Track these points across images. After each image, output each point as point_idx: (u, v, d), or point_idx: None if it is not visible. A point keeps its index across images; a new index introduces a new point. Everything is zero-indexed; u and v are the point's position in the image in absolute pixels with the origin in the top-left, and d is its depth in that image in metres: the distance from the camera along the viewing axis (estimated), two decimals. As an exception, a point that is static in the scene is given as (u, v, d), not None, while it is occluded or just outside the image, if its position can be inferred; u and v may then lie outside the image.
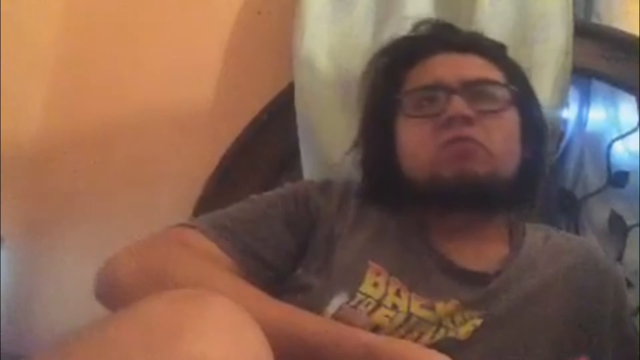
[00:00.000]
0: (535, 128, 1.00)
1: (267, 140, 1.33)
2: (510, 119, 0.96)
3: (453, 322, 0.86)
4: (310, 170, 1.24)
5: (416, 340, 0.84)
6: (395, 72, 1.02)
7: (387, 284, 0.89)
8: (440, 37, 1.05)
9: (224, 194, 1.27)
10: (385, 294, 0.88)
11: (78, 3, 1.53)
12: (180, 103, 1.44)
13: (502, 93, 0.96)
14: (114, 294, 0.82)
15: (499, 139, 0.93)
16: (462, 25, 1.17)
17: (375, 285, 0.88)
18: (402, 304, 0.87)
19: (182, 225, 0.93)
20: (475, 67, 0.98)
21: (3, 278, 1.38)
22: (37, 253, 1.45)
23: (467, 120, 0.91)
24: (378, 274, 0.90)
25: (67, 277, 1.41)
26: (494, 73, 0.98)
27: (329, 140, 1.22)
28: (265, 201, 0.98)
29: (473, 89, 0.94)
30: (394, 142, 0.99)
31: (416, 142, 0.95)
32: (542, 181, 1.03)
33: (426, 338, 0.85)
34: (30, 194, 1.47)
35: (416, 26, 1.08)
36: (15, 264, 1.42)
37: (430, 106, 0.95)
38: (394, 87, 1.00)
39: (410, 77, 1.00)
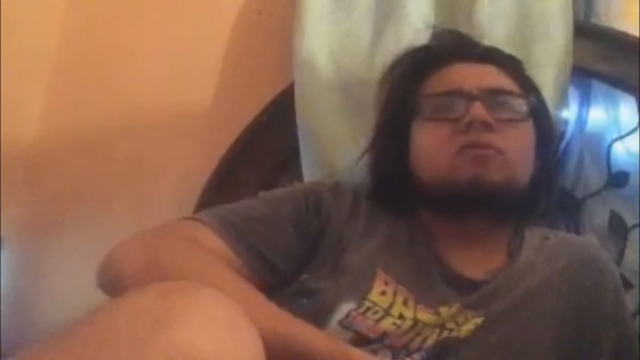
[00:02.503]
0: (548, 140, 1.02)
1: (267, 141, 1.33)
2: (527, 130, 0.97)
3: (456, 322, 0.87)
4: (310, 170, 1.24)
5: (421, 343, 0.85)
6: (412, 79, 1.02)
7: (395, 293, 0.89)
8: (458, 48, 1.05)
9: (224, 194, 1.26)
10: (392, 303, 0.88)
11: (78, 5, 1.53)
12: (180, 104, 1.44)
13: (520, 104, 0.96)
14: (117, 284, 0.82)
15: (517, 148, 0.93)
16: (461, 25, 1.17)
17: (383, 293, 0.89)
18: (409, 313, 0.87)
19: (190, 219, 0.93)
20: (493, 76, 0.98)
21: (3, 278, 1.38)
22: (37, 253, 1.45)
23: (487, 127, 0.91)
24: (386, 283, 0.90)
25: (67, 277, 1.41)
26: (510, 84, 0.98)
27: (329, 141, 1.22)
28: (276, 201, 0.98)
29: (492, 98, 0.94)
30: (407, 146, 0.99)
31: (433, 145, 0.95)
32: (553, 191, 1.04)
33: (430, 341, 0.85)
34: (30, 195, 1.47)
35: (435, 37, 1.09)
36: (15, 264, 1.42)
37: (449, 112, 0.95)
38: (411, 93, 1.00)
39: (427, 85, 1.00)
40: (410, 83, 1.02)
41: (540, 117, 1.00)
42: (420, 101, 0.98)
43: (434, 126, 0.96)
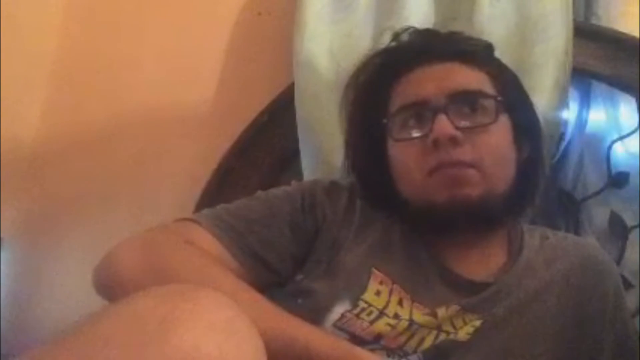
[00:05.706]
0: (530, 129, 0.99)
1: (267, 141, 1.33)
2: (501, 129, 0.93)
3: (453, 325, 0.86)
4: (310, 170, 1.24)
5: (418, 345, 0.84)
6: (378, 90, 1.00)
7: (390, 292, 0.88)
8: (421, 47, 1.02)
9: (224, 194, 1.26)
10: (387, 303, 0.87)
11: (78, 4, 1.53)
12: (181, 104, 1.44)
13: (489, 104, 0.93)
14: (113, 287, 0.82)
15: (490, 153, 0.90)
16: (461, 25, 1.17)
17: (378, 293, 0.88)
18: (404, 313, 0.87)
19: (187, 220, 0.93)
20: (459, 77, 0.94)
21: (3, 278, 1.38)
22: (37, 253, 1.45)
23: (454, 141, 0.88)
24: (381, 282, 0.89)
25: (67, 277, 1.41)
26: (479, 80, 0.95)
27: (329, 141, 1.22)
28: (272, 201, 0.97)
29: (459, 103, 0.91)
30: (386, 161, 0.98)
31: (406, 167, 0.94)
32: (542, 181, 1.02)
33: (427, 343, 0.85)
34: (30, 195, 1.47)
35: (395, 36, 1.06)
36: (15, 264, 1.42)
37: (417, 126, 0.93)
38: (380, 108, 0.98)
39: (394, 95, 0.98)
40: (377, 96, 0.99)
41: (516, 108, 0.96)
42: (387, 122, 0.96)
43: (404, 146, 0.93)
